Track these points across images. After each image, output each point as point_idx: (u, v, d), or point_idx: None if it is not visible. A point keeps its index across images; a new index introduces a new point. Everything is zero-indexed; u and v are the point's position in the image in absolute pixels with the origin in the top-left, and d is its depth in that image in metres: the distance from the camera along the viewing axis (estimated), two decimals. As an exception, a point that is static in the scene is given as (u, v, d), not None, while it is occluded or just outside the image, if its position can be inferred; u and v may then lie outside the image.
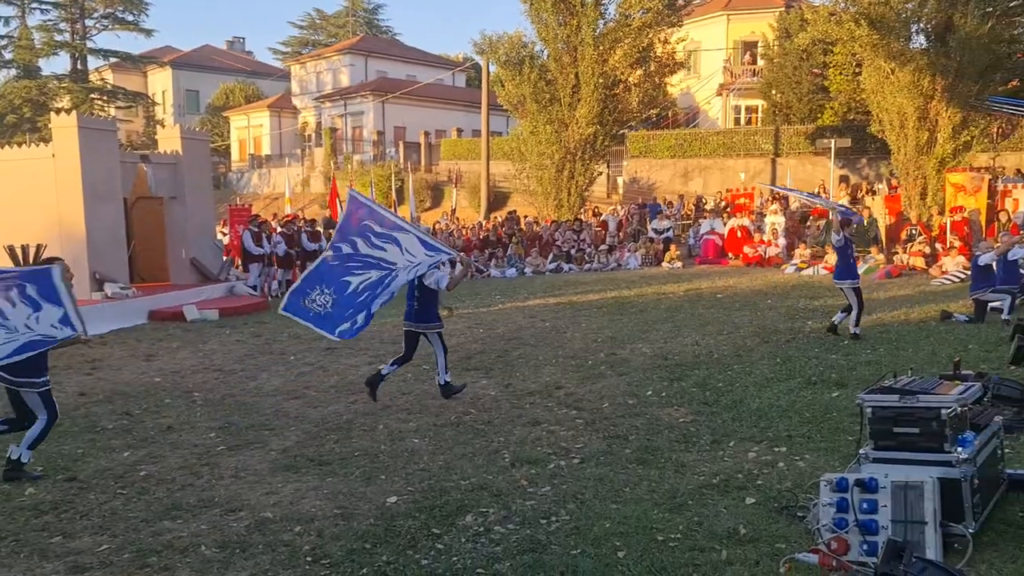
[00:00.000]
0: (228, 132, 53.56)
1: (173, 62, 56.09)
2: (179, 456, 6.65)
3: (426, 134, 41.95)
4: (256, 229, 18.08)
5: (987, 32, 19.57)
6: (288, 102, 52.51)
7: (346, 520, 5.11)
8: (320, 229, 20.25)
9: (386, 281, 7.48)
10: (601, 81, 24.05)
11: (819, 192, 24.86)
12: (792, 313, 12.90)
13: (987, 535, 4.21)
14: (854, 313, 10.47)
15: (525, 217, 25.59)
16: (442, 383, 8.29)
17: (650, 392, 8.28)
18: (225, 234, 20.91)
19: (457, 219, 27.62)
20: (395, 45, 58.12)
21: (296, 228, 19.40)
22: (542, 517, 5.00)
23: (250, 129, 52.03)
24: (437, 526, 4.93)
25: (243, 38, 67.03)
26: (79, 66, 50.29)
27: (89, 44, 50.08)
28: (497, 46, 25.67)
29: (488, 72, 29.41)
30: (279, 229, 19.17)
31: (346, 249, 7.49)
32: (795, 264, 19.40)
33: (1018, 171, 22.80)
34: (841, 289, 10.77)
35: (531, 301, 15.61)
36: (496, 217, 27.71)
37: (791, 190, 21.67)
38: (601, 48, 23.91)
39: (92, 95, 49.04)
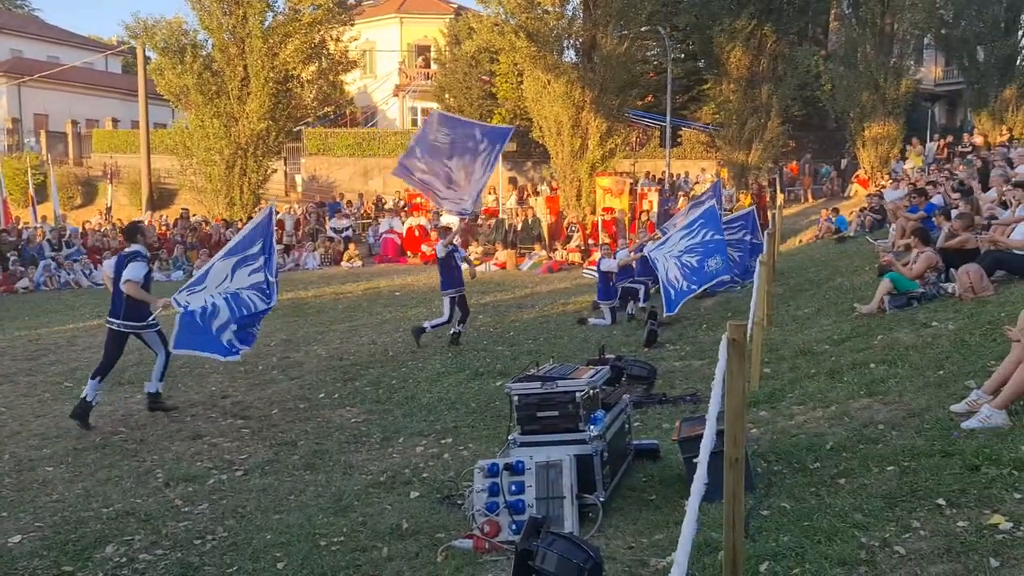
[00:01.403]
0: None
1: None
2: None
3: (75, 123, 37.57)
4: None
5: (624, 52, 22.11)
6: None
7: (-50, 572, 4.34)
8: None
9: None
10: (272, 75, 23.27)
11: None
12: (464, 308, 13.45)
13: (616, 502, 4.69)
14: None
15: (194, 216, 23.96)
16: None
17: (323, 394, 8.14)
18: None
19: (112, 218, 25.03)
20: (33, 22, 51.16)
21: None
22: (196, 537, 4.65)
23: None
24: (69, 563, 4.37)
25: None
26: None
27: None
28: (154, 31, 23.70)
29: (145, 59, 27.00)
30: None
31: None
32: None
33: (653, 176, 26.10)
34: None
35: (199, 306, 14.58)
36: (162, 215, 25.57)
37: None
38: (271, 41, 23.13)
39: None
